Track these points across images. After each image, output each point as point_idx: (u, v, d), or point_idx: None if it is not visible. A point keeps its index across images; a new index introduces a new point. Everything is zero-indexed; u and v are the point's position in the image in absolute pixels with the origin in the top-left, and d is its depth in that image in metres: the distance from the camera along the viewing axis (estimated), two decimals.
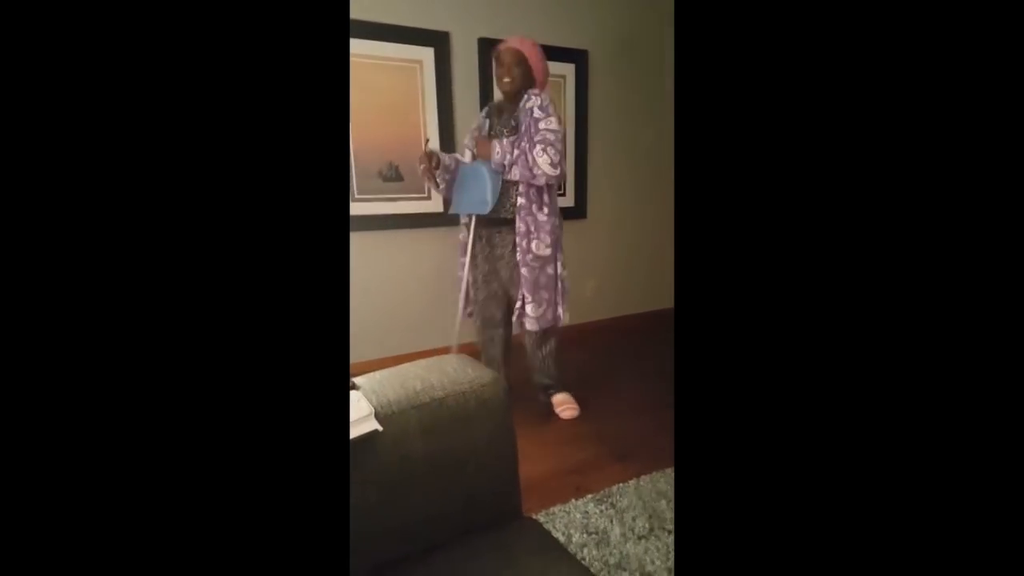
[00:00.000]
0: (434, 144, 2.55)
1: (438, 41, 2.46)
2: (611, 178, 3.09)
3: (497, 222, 1.90)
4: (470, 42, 2.55)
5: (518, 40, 1.83)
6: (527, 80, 1.85)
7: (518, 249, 1.85)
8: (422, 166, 1.84)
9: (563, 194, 2.92)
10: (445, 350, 2.71)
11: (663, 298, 3.56)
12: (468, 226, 1.96)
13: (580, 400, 2.11)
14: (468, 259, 1.97)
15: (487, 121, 1.95)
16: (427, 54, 2.45)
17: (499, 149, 1.78)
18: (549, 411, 2.09)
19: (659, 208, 3.36)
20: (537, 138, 1.75)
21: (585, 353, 2.79)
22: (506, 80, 1.83)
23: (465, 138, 2.03)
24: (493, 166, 1.80)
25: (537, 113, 1.77)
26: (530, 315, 1.89)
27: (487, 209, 1.83)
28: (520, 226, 1.83)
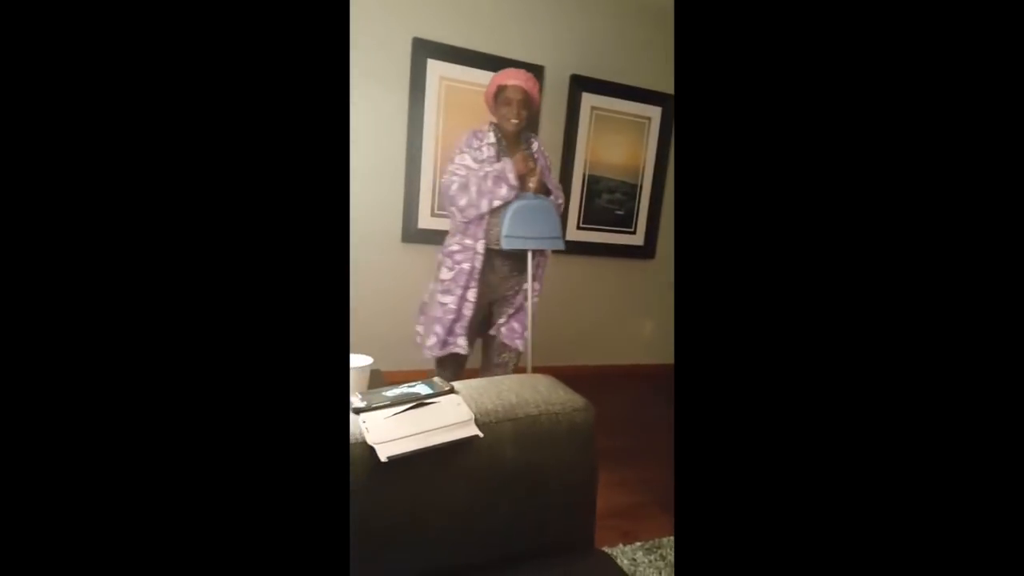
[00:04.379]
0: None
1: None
2: None
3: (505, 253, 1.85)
4: None
5: (524, 78, 1.75)
6: (530, 122, 1.85)
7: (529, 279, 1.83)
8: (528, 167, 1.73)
9: (633, 232, 2.92)
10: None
11: None
12: (472, 253, 1.77)
13: (624, 444, 2.05)
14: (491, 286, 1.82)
15: (497, 154, 1.80)
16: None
17: (554, 185, 1.83)
18: None
19: None
20: (551, 184, 1.83)
21: (636, 395, 2.73)
22: (514, 121, 1.77)
23: (487, 164, 1.76)
24: (558, 203, 1.83)
25: (542, 161, 1.81)
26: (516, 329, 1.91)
27: (563, 245, 1.84)
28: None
